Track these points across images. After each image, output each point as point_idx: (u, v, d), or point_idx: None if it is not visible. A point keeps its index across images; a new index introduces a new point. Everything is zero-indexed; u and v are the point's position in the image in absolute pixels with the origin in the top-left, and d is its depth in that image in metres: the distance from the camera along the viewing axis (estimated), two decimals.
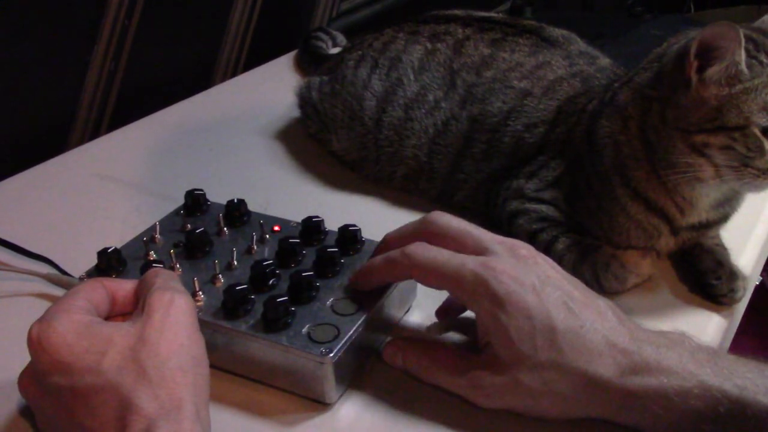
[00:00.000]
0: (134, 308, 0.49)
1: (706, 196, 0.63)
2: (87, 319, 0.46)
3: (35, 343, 0.44)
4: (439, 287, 0.54)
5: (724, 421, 0.45)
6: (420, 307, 0.61)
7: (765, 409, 0.45)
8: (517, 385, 0.49)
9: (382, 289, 0.56)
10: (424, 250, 0.53)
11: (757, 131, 0.57)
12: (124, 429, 0.41)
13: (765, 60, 0.58)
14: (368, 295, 0.56)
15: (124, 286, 0.51)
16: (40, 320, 0.45)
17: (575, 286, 0.52)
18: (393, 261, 0.54)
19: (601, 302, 0.51)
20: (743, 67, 0.57)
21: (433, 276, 0.53)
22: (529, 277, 0.50)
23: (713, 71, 0.57)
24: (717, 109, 0.58)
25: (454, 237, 0.54)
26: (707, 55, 0.57)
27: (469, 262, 0.51)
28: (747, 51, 0.57)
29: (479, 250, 0.52)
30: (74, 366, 0.43)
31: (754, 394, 0.46)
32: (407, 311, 0.61)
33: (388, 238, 0.58)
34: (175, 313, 0.46)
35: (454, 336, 0.58)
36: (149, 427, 0.41)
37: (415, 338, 0.58)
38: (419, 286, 0.61)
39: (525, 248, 0.53)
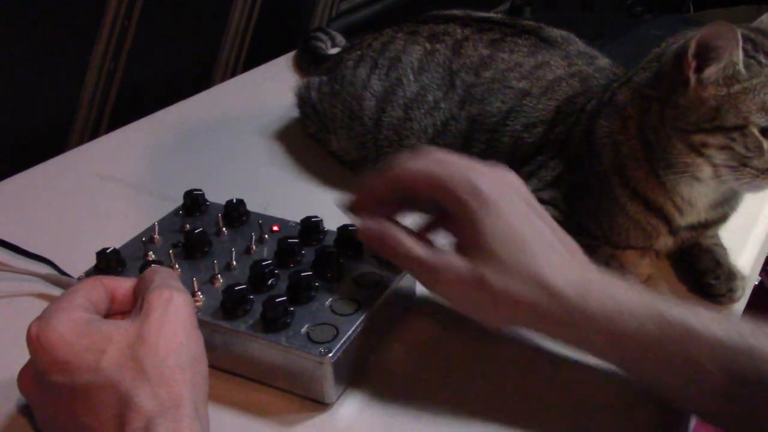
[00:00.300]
0: (133, 306, 0.49)
1: (704, 196, 0.63)
2: (86, 317, 0.46)
3: (34, 342, 0.44)
4: (433, 195, 0.53)
5: (674, 345, 0.47)
6: (420, 307, 0.61)
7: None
8: (479, 279, 0.50)
9: (381, 289, 0.57)
10: (415, 159, 0.54)
11: (755, 131, 0.57)
12: (124, 427, 0.41)
13: (763, 60, 0.58)
14: (368, 295, 0.56)
15: (123, 284, 0.51)
16: (39, 319, 0.45)
17: (548, 216, 0.54)
18: (391, 177, 0.54)
19: (571, 242, 0.53)
20: (741, 67, 0.57)
21: (430, 183, 0.52)
22: (507, 190, 0.52)
23: (711, 71, 0.57)
24: (715, 109, 0.58)
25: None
26: (705, 55, 0.57)
27: (460, 164, 0.53)
28: (745, 51, 0.57)
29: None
30: (73, 364, 0.43)
31: (708, 324, 0.47)
32: (407, 310, 0.61)
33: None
34: (174, 311, 0.46)
35: (455, 326, 0.58)
36: (148, 425, 0.41)
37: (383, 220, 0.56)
38: (419, 286, 0.61)
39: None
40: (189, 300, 0.48)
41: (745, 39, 0.58)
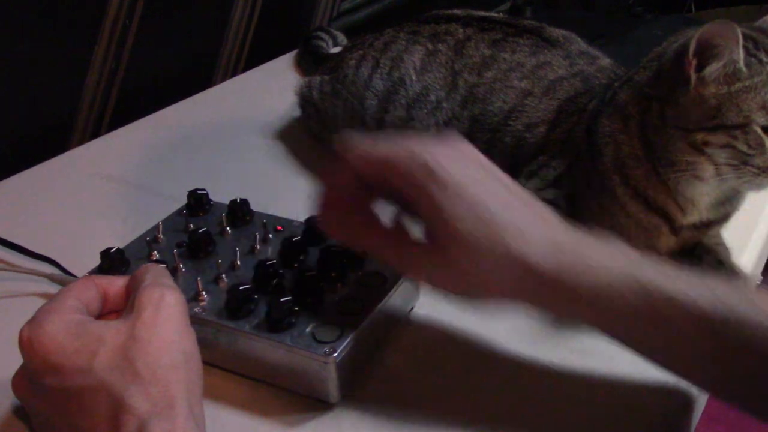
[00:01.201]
0: (125, 305, 0.48)
1: (706, 195, 0.63)
2: (77, 318, 0.46)
3: (26, 345, 0.44)
4: (376, 175, 0.51)
5: (654, 311, 0.46)
6: (423, 307, 0.61)
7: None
8: (454, 267, 0.49)
9: (386, 289, 0.57)
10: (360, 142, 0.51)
11: (758, 129, 0.57)
12: (118, 429, 0.41)
13: (764, 58, 0.58)
14: (372, 295, 0.56)
15: (115, 283, 0.51)
16: (31, 321, 0.45)
17: (511, 183, 0.52)
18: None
19: (539, 205, 0.51)
20: (742, 65, 0.57)
21: (385, 168, 0.50)
22: (464, 163, 0.50)
23: (712, 69, 0.57)
24: (716, 108, 0.58)
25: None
26: (706, 53, 0.57)
27: (411, 144, 0.50)
28: (746, 49, 0.58)
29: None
30: (65, 366, 0.43)
31: (689, 289, 0.46)
32: (411, 310, 0.61)
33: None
34: (165, 310, 0.46)
35: (457, 326, 0.58)
36: (142, 426, 0.41)
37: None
38: (423, 286, 0.61)
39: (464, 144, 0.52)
40: (181, 298, 0.48)
41: (746, 38, 0.58)
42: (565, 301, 0.48)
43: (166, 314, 0.46)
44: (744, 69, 0.57)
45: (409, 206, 0.51)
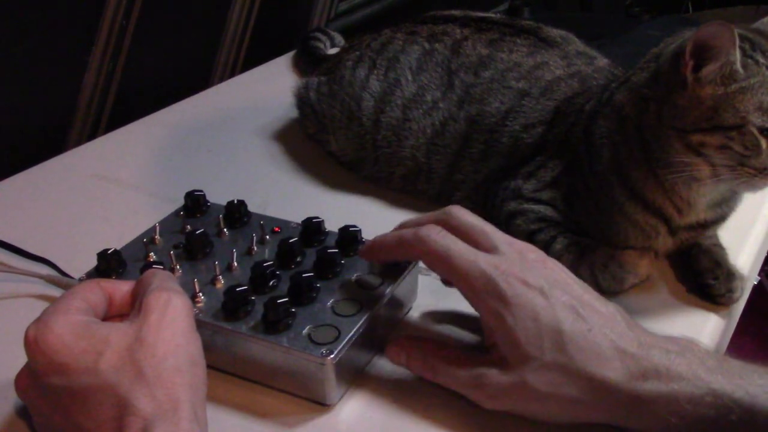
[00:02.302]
0: (131, 309, 0.48)
1: (703, 196, 0.63)
2: (84, 319, 0.46)
3: (32, 344, 0.44)
4: (445, 276, 0.54)
5: (734, 429, 0.45)
6: (420, 308, 0.61)
7: None
8: (523, 386, 0.49)
9: (383, 290, 0.57)
10: (438, 236, 0.52)
11: (754, 130, 0.57)
12: (122, 429, 0.41)
13: (761, 60, 0.58)
14: (369, 296, 0.56)
15: (121, 287, 0.51)
16: (37, 321, 0.45)
17: (585, 290, 0.51)
18: (405, 242, 0.54)
19: (611, 307, 0.51)
20: (738, 66, 0.57)
21: (443, 266, 0.52)
22: (537, 279, 0.50)
23: (708, 70, 0.57)
24: (713, 109, 0.58)
25: (468, 231, 0.54)
26: (702, 54, 0.57)
27: (481, 260, 0.51)
28: (743, 50, 0.58)
29: (489, 248, 0.52)
30: (71, 366, 0.43)
31: (765, 401, 0.45)
32: (407, 312, 0.61)
33: (405, 223, 0.58)
34: (172, 314, 0.46)
35: (457, 332, 0.58)
36: (146, 428, 0.41)
37: (418, 336, 0.57)
38: (420, 287, 0.61)
39: (534, 252, 0.53)
40: (187, 302, 0.48)
41: (743, 39, 0.58)
42: (639, 415, 0.47)
43: (173, 318, 0.46)
44: (741, 70, 0.57)
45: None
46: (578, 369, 0.47)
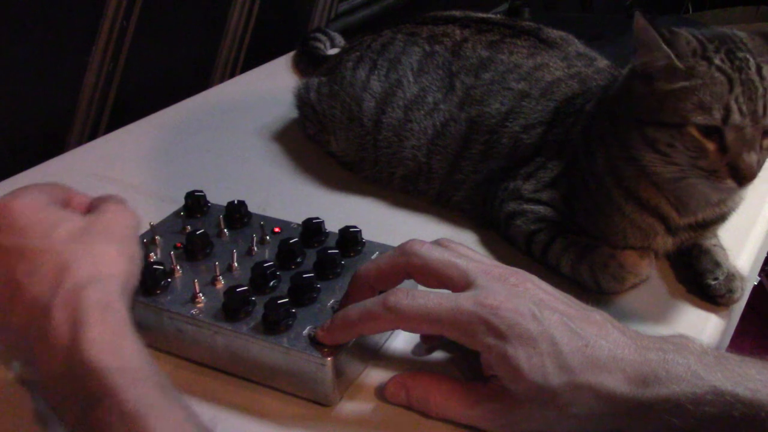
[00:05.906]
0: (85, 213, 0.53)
1: (693, 197, 0.62)
2: (48, 200, 0.51)
3: (0, 207, 0.49)
4: (433, 333, 0.52)
5: (737, 425, 0.45)
6: None
7: None
8: (532, 413, 0.48)
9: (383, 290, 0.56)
10: (409, 300, 0.50)
11: (693, 131, 0.57)
12: (58, 285, 0.45)
13: (719, 63, 0.57)
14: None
15: (80, 196, 0.55)
16: (8, 193, 0.50)
17: (569, 304, 0.51)
18: (374, 315, 0.50)
19: (597, 315, 0.50)
20: (677, 64, 0.57)
21: (425, 325, 0.50)
22: (526, 305, 0.49)
23: (639, 62, 0.59)
24: (659, 102, 0.58)
25: (437, 270, 0.51)
26: (638, 46, 0.59)
27: (463, 302, 0.49)
28: (693, 52, 0.58)
29: (465, 284, 0.50)
30: (27, 229, 0.48)
31: (766, 396, 0.45)
32: None
33: (362, 274, 0.54)
34: (124, 218, 0.52)
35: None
36: (79, 288, 0.45)
37: (417, 373, 0.54)
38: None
39: (513, 274, 0.51)
40: (138, 219, 0.53)
41: (698, 42, 0.58)
42: (644, 421, 0.47)
43: (124, 222, 0.51)
44: (681, 68, 0.57)
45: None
46: (583, 385, 0.47)
